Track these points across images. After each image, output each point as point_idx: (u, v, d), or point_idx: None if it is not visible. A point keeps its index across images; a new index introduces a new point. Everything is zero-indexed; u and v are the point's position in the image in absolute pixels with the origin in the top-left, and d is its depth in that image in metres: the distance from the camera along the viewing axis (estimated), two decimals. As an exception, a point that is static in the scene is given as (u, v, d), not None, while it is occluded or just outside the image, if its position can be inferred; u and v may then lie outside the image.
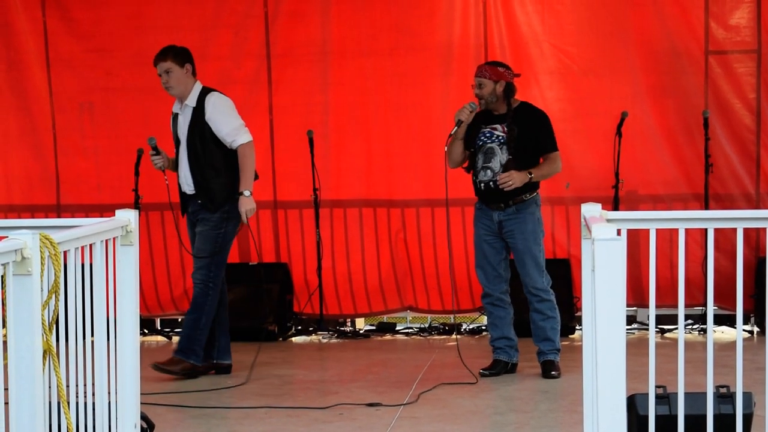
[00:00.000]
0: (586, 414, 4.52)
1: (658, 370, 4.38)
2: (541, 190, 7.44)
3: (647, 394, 4.49)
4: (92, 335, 4.47)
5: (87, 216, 8.84)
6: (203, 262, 7.30)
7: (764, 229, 8.96)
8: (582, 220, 4.60)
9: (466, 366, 7.24)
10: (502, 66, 7.41)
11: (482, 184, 7.31)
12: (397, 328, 9.54)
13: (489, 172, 7.28)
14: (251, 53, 9.33)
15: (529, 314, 7.35)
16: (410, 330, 9.48)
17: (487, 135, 7.31)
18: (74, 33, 9.39)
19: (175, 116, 7.44)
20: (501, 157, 7.25)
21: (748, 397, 4.92)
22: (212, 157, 7.29)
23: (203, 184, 7.29)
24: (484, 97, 7.30)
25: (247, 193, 7.20)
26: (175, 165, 7.48)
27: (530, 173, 7.21)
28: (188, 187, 7.34)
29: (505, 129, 7.26)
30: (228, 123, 7.27)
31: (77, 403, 4.33)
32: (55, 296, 3.91)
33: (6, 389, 3.74)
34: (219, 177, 7.29)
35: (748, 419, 4.89)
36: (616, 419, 3.49)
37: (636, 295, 9.01)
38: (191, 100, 7.31)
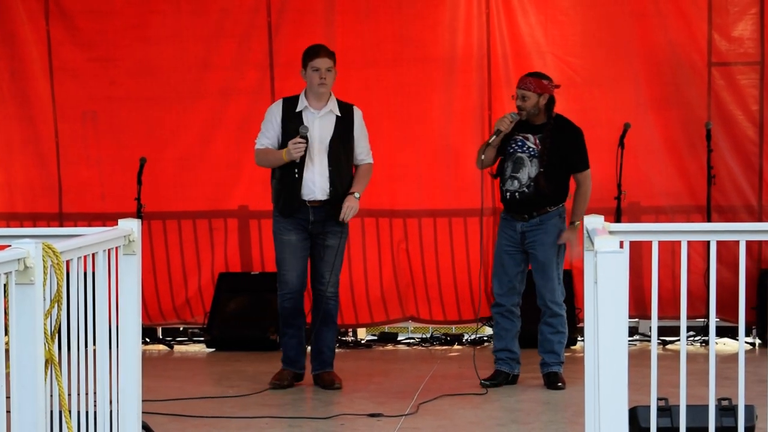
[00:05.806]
0: (588, 426, 4.52)
1: (659, 382, 4.38)
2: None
3: (649, 407, 4.49)
4: (94, 344, 4.48)
5: (89, 225, 8.84)
6: (337, 277, 7.35)
7: (767, 241, 8.95)
8: (584, 231, 4.60)
9: (478, 375, 7.23)
10: (545, 78, 7.39)
11: (508, 194, 7.30)
12: (399, 339, 9.52)
13: (516, 182, 7.27)
14: (255, 63, 9.33)
15: (539, 326, 7.33)
16: (412, 340, 9.47)
17: (519, 144, 7.29)
18: (78, 42, 9.39)
19: (298, 114, 7.23)
20: (530, 169, 7.24)
21: (750, 410, 4.91)
22: (349, 168, 7.34)
23: (339, 193, 7.24)
24: (526, 109, 7.28)
25: (357, 195, 7.28)
26: (298, 167, 7.19)
27: (574, 223, 7.26)
28: (322, 193, 7.22)
29: (538, 142, 7.25)
30: (367, 142, 7.42)
31: (79, 412, 4.33)
32: (58, 305, 3.92)
33: (8, 398, 3.74)
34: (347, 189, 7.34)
35: (750, 432, 4.89)
36: (618, 431, 3.49)
37: (638, 306, 8.99)
38: (334, 107, 7.29)
